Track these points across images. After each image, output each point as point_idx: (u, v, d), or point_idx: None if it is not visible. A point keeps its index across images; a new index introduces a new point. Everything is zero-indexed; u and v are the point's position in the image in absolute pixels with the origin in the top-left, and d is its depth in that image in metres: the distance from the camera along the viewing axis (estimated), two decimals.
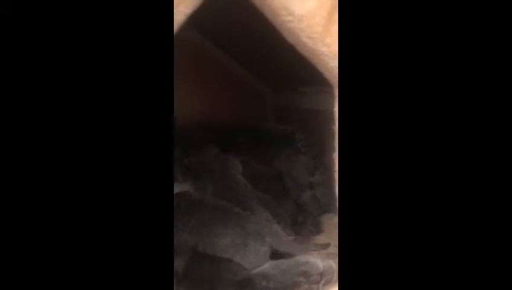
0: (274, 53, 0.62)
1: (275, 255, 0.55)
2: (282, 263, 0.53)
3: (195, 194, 0.65)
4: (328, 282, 0.52)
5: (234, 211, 0.59)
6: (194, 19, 0.41)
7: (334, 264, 0.53)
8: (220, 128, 0.83)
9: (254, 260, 0.53)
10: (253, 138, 0.84)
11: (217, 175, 0.71)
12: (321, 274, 0.52)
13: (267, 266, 0.52)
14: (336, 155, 0.55)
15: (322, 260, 0.54)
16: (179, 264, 0.53)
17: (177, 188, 0.63)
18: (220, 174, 0.71)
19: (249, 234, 0.54)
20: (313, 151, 0.79)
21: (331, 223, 0.70)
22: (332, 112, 0.53)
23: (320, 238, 0.67)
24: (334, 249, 0.60)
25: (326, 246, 0.62)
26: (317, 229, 0.69)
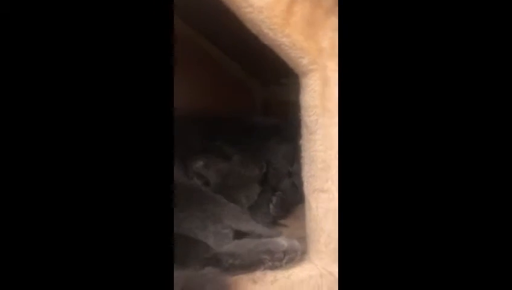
0: (250, 45, 0.65)
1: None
2: (248, 242, 0.56)
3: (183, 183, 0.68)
4: (291, 260, 0.55)
5: (211, 197, 0.63)
6: (177, 7, 0.43)
7: (297, 243, 0.57)
8: (203, 119, 0.86)
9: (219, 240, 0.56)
10: (236, 128, 0.87)
11: (199, 163, 0.74)
12: (284, 252, 0.55)
13: (234, 244, 0.56)
14: (301, 142, 0.58)
15: (287, 240, 0.57)
16: None
17: None
18: (203, 163, 0.74)
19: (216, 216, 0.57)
20: (293, 142, 0.82)
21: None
22: (298, 102, 0.56)
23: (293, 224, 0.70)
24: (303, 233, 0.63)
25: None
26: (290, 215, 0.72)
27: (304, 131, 0.55)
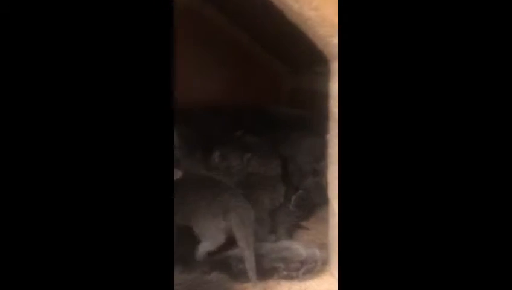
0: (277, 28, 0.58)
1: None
2: (261, 246, 0.50)
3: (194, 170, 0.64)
4: (310, 271, 0.49)
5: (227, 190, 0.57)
6: None
7: (318, 252, 0.50)
8: (225, 109, 0.81)
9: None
10: (260, 119, 0.81)
11: (216, 155, 0.69)
12: (302, 262, 0.48)
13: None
14: (328, 137, 0.51)
15: (306, 247, 0.50)
16: None
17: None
18: (222, 152, 0.70)
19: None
20: (320, 136, 0.75)
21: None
22: (326, 91, 0.48)
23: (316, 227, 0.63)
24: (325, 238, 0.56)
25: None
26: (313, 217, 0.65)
27: (332, 124, 0.48)
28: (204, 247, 0.50)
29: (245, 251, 0.48)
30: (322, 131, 0.79)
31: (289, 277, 0.48)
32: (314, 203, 0.67)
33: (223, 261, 0.50)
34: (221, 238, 0.50)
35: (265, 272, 0.48)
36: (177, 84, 0.91)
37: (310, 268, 0.48)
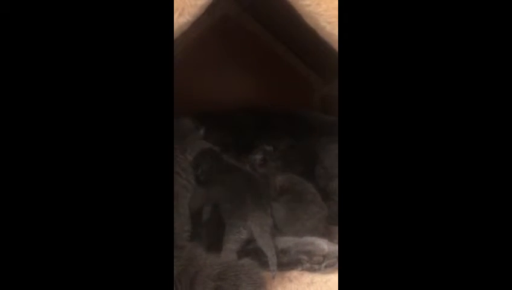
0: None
1: None
2: (289, 240, 0.56)
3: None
4: (331, 265, 0.53)
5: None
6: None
7: None
8: (259, 112, 0.86)
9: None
10: (291, 124, 0.85)
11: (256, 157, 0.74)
12: (324, 256, 0.53)
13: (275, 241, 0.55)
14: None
15: (328, 244, 0.55)
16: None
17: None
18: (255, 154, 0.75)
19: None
20: None
21: None
22: None
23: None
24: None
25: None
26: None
27: None
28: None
29: (263, 247, 0.52)
30: None
31: (312, 269, 0.53)
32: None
33: (254, 250, 0.55)
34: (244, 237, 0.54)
35: (291, 263, 0.54)
36: (216, 88, 0.97)
37: (331, 263, 0.53)
